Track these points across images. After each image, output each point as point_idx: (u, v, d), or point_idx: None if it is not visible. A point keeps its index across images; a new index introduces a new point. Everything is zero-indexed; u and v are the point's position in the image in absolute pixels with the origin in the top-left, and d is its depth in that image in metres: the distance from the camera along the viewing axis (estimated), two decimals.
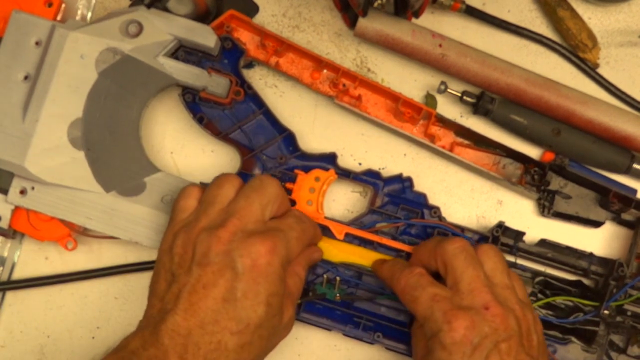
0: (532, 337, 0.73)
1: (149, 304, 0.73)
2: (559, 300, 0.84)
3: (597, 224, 0.86)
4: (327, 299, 0.82)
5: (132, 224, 0.81)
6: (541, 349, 0.74)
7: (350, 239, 0.83)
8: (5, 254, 0.87)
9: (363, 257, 0.82)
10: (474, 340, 0.69)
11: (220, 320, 0.68)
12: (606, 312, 0.82)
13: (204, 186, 0.78)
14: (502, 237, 0.83)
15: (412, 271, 0.76)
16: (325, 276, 0.82)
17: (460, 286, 0.72)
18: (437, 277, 0.76)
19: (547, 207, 0.86)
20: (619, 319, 0.82)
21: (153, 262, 0.85)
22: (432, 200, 0.85)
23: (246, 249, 0.69)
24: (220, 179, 0.77)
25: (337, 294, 0.82)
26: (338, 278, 0.82)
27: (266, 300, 0.69)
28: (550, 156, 0.86)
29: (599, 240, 0.88)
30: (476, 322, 0.70)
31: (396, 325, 0.83)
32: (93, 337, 0.87)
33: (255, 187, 0.75)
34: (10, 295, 0.88)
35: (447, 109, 0.88)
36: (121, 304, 0.87)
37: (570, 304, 0.84)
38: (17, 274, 0.88)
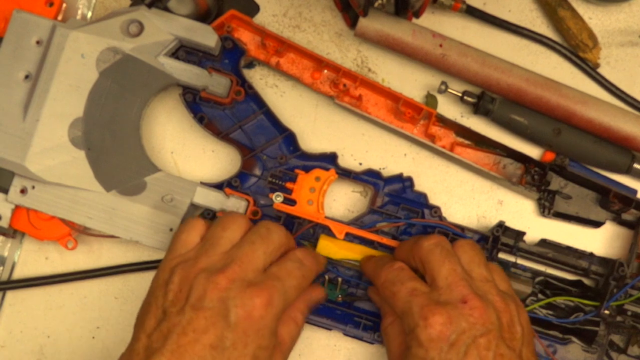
0: (514, 328, 0.72)
1: (135, 337, 0.71)
2: (560, 300, 0.84)
3: (597, 224, 0.86)
4: (328, 299, 0.82)
5: (132, 223, 0.81)
6: (525, 339, 0.72)
7: (350, 238, 0.83)
8: (6, 254, 0.87)
9: (363, 254, 0.82)
10: (451, 337, 0.68)
11: None
12: (606, 312, 0.82)
13: (208, 222, 0.77)
14: (503, 237, 0.83)
15: (392, 266, 0.76)
16: (326, 277, 0.82)
17: (438, 281, 0.72)
18: (421, 277, 0.76)
19: (547, 207, 0.86)
20: (619, 319, 0.82)
21: (153, 261, 0.86)
22: (433, 200, 0.85)
23: (242, 300, 0.68)
24: (228, 219, 0.75)
25: (339, 295, 0.82)
26: (340, 279, 0.82)
27: (253, 353, 0.68)
28: (550, 156, 0.86)
29: (599, 240, 0.87)
30: (453, 317, 0.69)
31: None
32: (93, 337, 0.87)
33: (262, 235, 0.74)
34: (10, 295, 0.88)
35: (448, 108, 0.88)
36: (121, 304, 0.87)
37: (571, 303, 0.84)
38: (17, 274, 0.88)
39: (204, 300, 0.68)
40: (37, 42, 0.81)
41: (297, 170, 0.83)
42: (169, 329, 0.68)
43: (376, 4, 0.83)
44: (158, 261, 0.86)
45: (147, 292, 0.73)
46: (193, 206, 0.82)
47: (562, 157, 0.84)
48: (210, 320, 0.67)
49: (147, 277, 0.87)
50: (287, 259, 0.75)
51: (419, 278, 0.74)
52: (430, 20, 0.88)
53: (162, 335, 0.68)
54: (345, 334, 0.82)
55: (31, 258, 0.88)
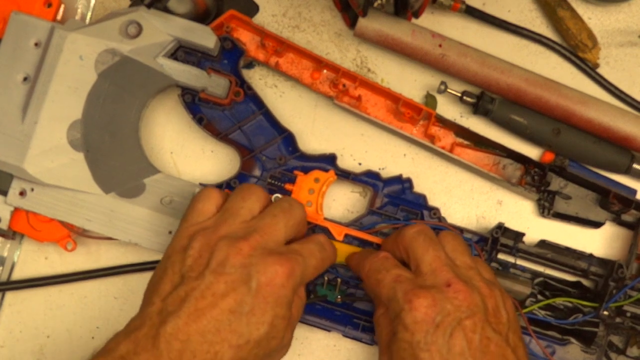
0: (500, 313, 0.72)
1: (147, 302, 0.70)
2: (559, 301, 0.84)
3: (597, 224, 0.86)
4: (328, 300, 0.82)
5: (131, 225, 0.81)
6: (512, 326, 0.73)
7: (349, 240, 0.83)
8: (5, 254, 0.87)
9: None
10: (436, 318, 0.68)
11: (222, 331, 0.66)
12: (605, 313, 0.82)
13: (224, 193, 0.76)
14: (502, 237, 0.83)
15: (377, 255, 0.76)
16: (325, 277, 0.82)
17: (422, 267, 0.72)
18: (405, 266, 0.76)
19: (547, 207, 0.86)
20: (618, 320, 0.82)
21: (153, 262, 0.86)
22: (432, 200, 0.85)
23: (264, 267, 0.68)
24: (246, 190, 0.75)
25: (338, 296, 0.82)
26: (339, 280, 0.82)
27: (271, 320, 0.68)
28: (550, 156, 0.86)
29: (599, 241, 0.87)
30: (437, 300, 0.69)
31: None
32: (93, 337, 0.87)
33: (284, 208, 0.74)
34: (10, 296, 0.88)
35: (447, 109, 0.88)
36: (121, 304, 0.88)
37: (570, 304, 0.84)
38: (17, 274, 0.88)
39: (225, 265, 0.68)
40: (36, 44, 0.81)
41: (296, 172, 0.83)
42: (186, 292, 0.67)
43: (375, 4, 0.83)
44: (158, 262, 0.86)
45: (160, 261, 0.73)
46: None
47: (562, 157, 0.84)
48: (231, 285, 0.67)
49: (147, 277, 0.86)
50: (310, 240, 0.76)
51: (402, 266, 0.75)
52: (430, 20, 0.88)
53: (179, 298, 0.67)
54: (345, 335, 0.82)
55: (31, 258, 0.88)
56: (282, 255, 0.70)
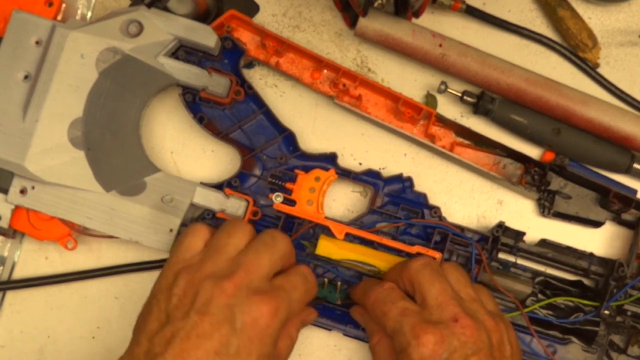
0: (504, 347, 0.72)
1: (135, 341, 0.70)
2: (560, 300, 0.84)
3: (597, 224, 0.86)
4: (328, 301, 0.82)
5: (132, 223, 0.81)
6: (515, 358, 0.73)
7: (350, 238, 0.83)
8: (6, 254, 0.87)
9: (364, 255, 0.82)
10: (443, 355, 0.68)
11: None
12: (606, 312, 0.82)
13: (212, 228, 0.77)
14: (502, 237, 0.83)
15: (382, 286, 0.76)
16: (325, 280, 0.82)
17: (428, 300, 0.72)
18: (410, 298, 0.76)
19: (547, 207, 0.86)
20: (619, 319, 0.82)
21: (153, 261, 0.86)
22: (433, 200, 0.85)
23: (248, 307, 0.68)
24: (232, 226, 0.75)
25: (338, 298, 0.82)
26: (339, 283, 0.82)
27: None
28: (550, 156, 0.86)
29: (599, 240, 0.87)
30: (445, 336, 0.69)
31: None
32: (93, 337, 0.87)
33: (267, 243, 0.74)
34: (10, 295, 0.88)
35: (448, 108, 0.88)
36: (121, 304, 0.87)
37: (571, 304, 0.84)
38: (17, 274, 0.88)
39: (210, 305, 0.67)
40: (37, 42, 0.81)
41: (296, 171, 0.83)
42: (172, 333, 0.67)
43: (376, 4, 0.83)
44: (158, 261, 0.86)
45: (148, 297, 0.73)
46: (193, 206, 0.82)
47: (562, 157, 0.84)
48: (216, 325, 0.67)
49: (148, 277, 0.87)
50: (293, 273, 0.76)
51: (409, 299, 0.75)
52: (430, 20, 0.88)
53: (164, 339, 0.67)
54: (345, 335, 0.82)
55: (31, 258, 0.88)
56: (266, 294, 0.69)
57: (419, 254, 0.81)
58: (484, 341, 0.70)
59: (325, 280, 0.82)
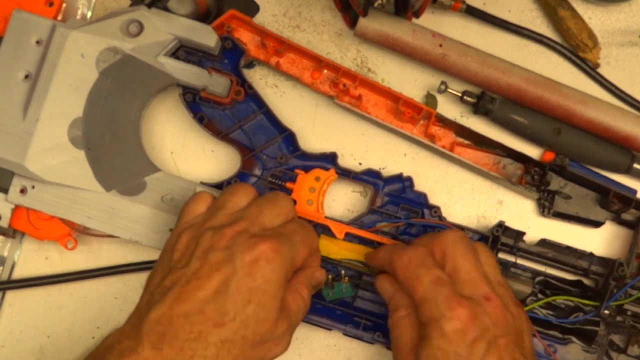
0: (524, 337, 0.71)
1: (140, 299, 0.70)
2: (559, 300, 0.84)
3: (597, 224, 0.86)
4: (335, 297, 0.82)
5: (132, 223, 0.81)
6: (532, 351, 0.72)
7: (350, 238, 0.83)
8: (5, 254, 0.87)
9: (364, 254, 0.82)
10: (475, 332, 0.66)
11: (206, 311, 0.65)
12: (606, 312, 0.81)
13: (214, 195, 0.77)
14: (502, 236, 0.83)
15: (417, 249, 0.72)
16: (329, 276, 0.81)
17: (460, 275, 0.70)
18: None
19: (547, 207, 0.86)
20: (619, 318, 0.82)
21: (153, 262, 0.85)
22: (433, 199, 0.85)
23: (248, 247, 0.67)
24: (234, 186, 0.76)
25: (343, 289, 0.81)
26: (343, 272, 0.82)
27: (259, 299, 0.67)
28: (550, 156, 0.86)
29: (599, 240, 0.87)
30: (477, 313, 0.67)
31: None
32: (93, 337, 0.87)
33: (269, 199, 0.74)
34: (10, 295, 0.88)
35: (448, 108, 0.88)
36: (121, 304, 0.87)
37: (571, 303, 0.84)
38: (17, 274, 0.88)
39: (209, 250, 0.68)
40: (37, 42, 0.81)
41: (296, 170, 0.83)
42: (172, 281, 0.67)
43: (376, 4, 0.83)
44: None
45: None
46: None
47: (562, 157, 0.84)
48: (216, 267, 0.67)
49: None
50: (290, 221, 0.75)
51: (441, 268, 0.71)
52: (430, 20, 0.88)
53: (165, 288, 0.67)
54: (345, 334, 0.82)
55: (31, 258, 0.88)
56: (266, 236, 0.69)
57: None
58: (512, 325, 0.69)
59: (329, 277, 0.81)
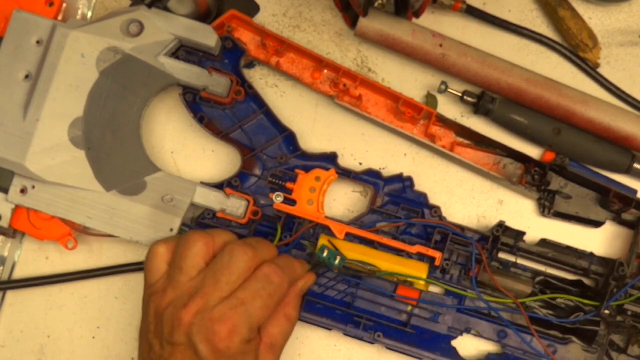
0: None
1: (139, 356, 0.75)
2: (560, 300, 0.84)
3: (597, 224, 0.86)
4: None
5: (132, 223, 0.81)
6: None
7: (350, 238, 0.83)
8: (6, 254, 0.87)
9: (364, 255, 0.82)
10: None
11: None
12: (607, 312, 0.81)
13: (172, 242, 0.76)
14: (503, 237, 0.83)
15: None
16: (325, 251, 0.80)
17: None
18: None
19: (547, 207, 0.86)
20: (619, 318, 0.82)
21: None
22: (433, 199, 0.85)
23: (205, 335, 0.69)
24: (186, 244, 0.74)
25: (338, 257, 0.81)
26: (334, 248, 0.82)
27: None
28: (550, 156, 0.86)
29: (600, 240, 0.87)
30: None
31: (396, 325, 0.83)
32: (93, 337, 0.87)
33: (225, 263, 0.73)
34: (11, 295, 0.88)
35: (448, 108, 0.88)
36: (121, 304, 0.87)
37: (571, 303, 0.84)
38: (18, 274, 0.88)
39: (173, 335, 0.70)
40: (38, 42, 0.81)
41: (297, 170, 0.83)
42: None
43: (376, 4, 0.83)
44: None
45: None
46: (193, 206, 0.82)
47: (563, 157, 0.84)
48: (185, 355, 0.70)
49: None
50: (253, 279, 0.73)
51: None
52: (430, 20, 0.88)
53: None
54: (346, 334, 0.82)
55: (31, 258, 0.88)
56: (222, 316, 0.70)
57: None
58: None
59: (325, 251, 0.80)
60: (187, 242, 0.74)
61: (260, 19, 0.89)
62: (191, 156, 0.88)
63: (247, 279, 0.74)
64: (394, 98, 0.85)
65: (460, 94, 0.86)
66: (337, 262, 0.80)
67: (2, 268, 0.87)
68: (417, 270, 0.81)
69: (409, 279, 0.81)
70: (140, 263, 0.87)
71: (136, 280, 0.88)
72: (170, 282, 0.73)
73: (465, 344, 0.86)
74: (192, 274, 0.73)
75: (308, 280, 0.80)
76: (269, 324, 0.75)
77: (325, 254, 0.79)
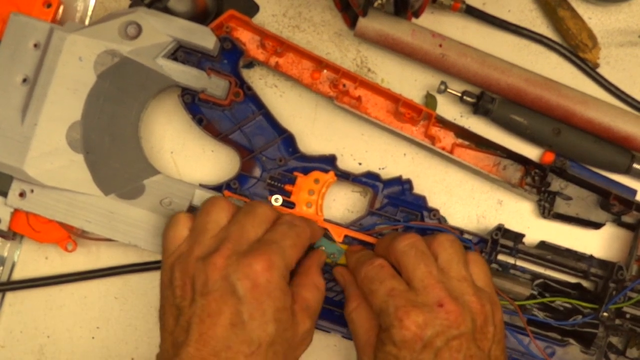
0: (487, 329, 0.72)
1: (161, 338, 0.73)
2: (558, 302, 0.84)
3: (597, 225, 0.86)
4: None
5: (131, 227, 0.81)
6: (497, 338, 0.73)
7: (349, 241, 0.83)
8: (5, 254, 0.88)
9: None
10: (425, 338, 0.69)
11: (233, 346, 0.68)
12: (605, 314, 0.82)
13: (191, 214, 0.77)
14: (502, 239, 0.83)
15: (373, 263, 0.76)
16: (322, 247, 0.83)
17: (414, 283, 0.72)
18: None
19: (547, 208, 0.86)
20: (618, 321, 0.82)
21: (153, 262, 0.87)
22: (432, 200, 0.85)
23: (243, 271, 0.69)
24: (210, 204, 0.76)
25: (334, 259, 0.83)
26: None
27: (274, 317, 0.69)
28: (550, 156, 0.86)
29: (599, 241, 0.88)
30: (428, 320, 0.69)
31: None
32: (93, 337, 0.88)
33: (246, 211, 0.75)
34: (10, 296, 0.88)
35: (447, 108, 0.88)
36: (121, 304, 0.88)
37: (570, 306, 0.84)
38: (17, 274, 0.88)
39: (208, 285, 0.69)
40: (35, 46, 0.81)
41: (296, 173, 0.83)
42: (187, 321, 0.69)
43: (376, 4, 0.82)
44: (158, 262, 0.86)
45: (160, 296, 0.75)
46: (192, 209, 0.82)
47: (562, 159, 0.84)
48: (221, 300, 0.68)
49: (147, 277, 0.88)
50: (278, 224, 0.76)
51: (398, 276, 0.74)
52: (430, 20, 0.88)
53: (183, 329, 0.69)
54: (344, 337, 0.83)
55: (31, 259, 0.88)
56: (255, 251, 0.71)
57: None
58: (468, 325, 0.70)
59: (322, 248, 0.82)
60: (208, 205, 0.76)
61: (259, 19, 0.88)
62: (190, 158, 0.88)
63: (272, 226, 0.75)
64: (394, 99, 0.85)
65: (459, 94, 0.86)
66: (336, 254, 0.82)
67: (1, 268, 0.88)
68: None
69: None
70: (141, 264, 0.87)
71: (136, 281, 0.88)
72: (195, 241, 0.73)
73: None
74: (216, 230, 0.74)
75: (322, 255, 0.82)
76: (301, 289, 0.75)
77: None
